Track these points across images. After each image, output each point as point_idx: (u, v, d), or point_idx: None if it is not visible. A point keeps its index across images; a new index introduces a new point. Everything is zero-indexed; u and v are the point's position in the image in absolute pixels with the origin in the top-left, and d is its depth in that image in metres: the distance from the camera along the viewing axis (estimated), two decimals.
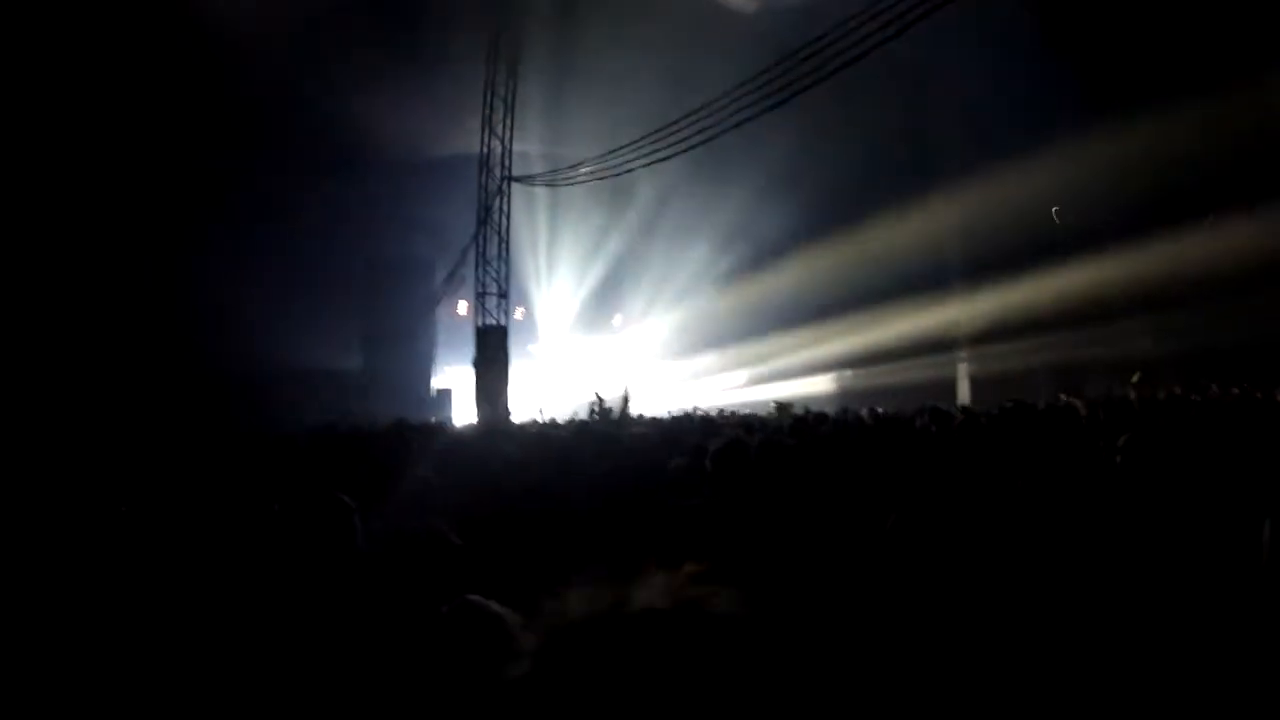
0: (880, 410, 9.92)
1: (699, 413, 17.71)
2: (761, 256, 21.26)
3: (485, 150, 17.74)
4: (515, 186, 17.86)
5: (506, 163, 17.61)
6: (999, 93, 15.48)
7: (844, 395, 20.34)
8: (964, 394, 18.61)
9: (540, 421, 17.01)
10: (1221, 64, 12.34)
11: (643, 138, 12.64)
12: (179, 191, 17.62)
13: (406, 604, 2.58)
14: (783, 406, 16.46)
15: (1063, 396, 12.72)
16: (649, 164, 12.57)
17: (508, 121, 17.54)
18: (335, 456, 6.65)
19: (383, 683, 2.27)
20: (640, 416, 13.60)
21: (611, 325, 26.32)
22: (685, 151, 11.92)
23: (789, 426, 7.29)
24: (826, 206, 18.93)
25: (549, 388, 22.59)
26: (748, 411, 17.48)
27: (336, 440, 8.85)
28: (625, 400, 14.38)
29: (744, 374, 23.39)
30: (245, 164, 18.19)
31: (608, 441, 6.32)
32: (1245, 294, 12.91)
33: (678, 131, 11.75)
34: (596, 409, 12.67)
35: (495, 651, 1.85)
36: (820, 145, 17.40)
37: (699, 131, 11.44)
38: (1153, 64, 13.15)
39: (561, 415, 19.50)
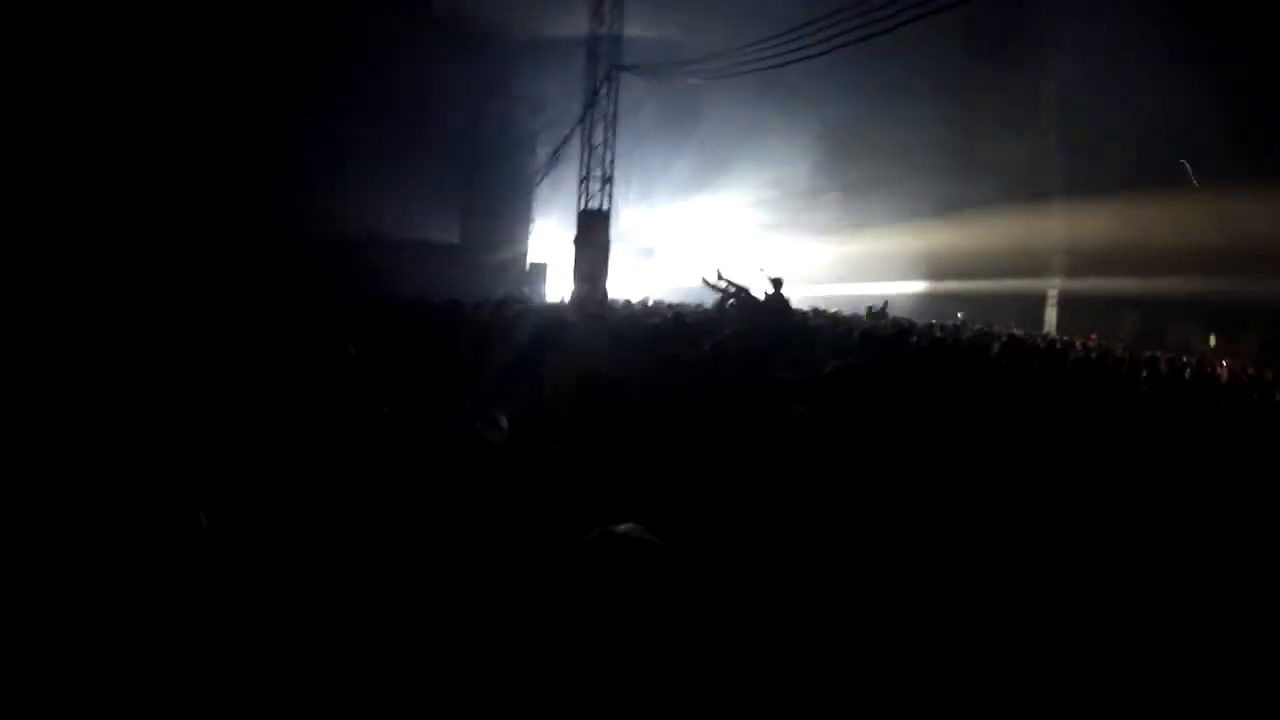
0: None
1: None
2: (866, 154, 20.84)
3: (593, 36, 17.92)
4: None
5: (615, 51, 17.74)
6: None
7: (932, 300, 20.55)
8: (1050, 321, 18.68)
9: (640, 304, 17.60)
10: None
11: (767, 39, 12.46)
12: (276, 52, 17.24)
13: (539, 527, 2.48)
14: (874, 313, 16.91)
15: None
16: (768, 67, 12.49)
17: (618, 10, 17.60)
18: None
19: (523, 614, 2.10)
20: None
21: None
22: (809, 58, 11.56)
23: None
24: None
25: (647, 269, 23.05)
26: (834, 310, 17.88)
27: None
28: (722, 280, 14.74)
29: (835, 268, 23.31)
30: (347, 26, 18.30)
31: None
32: None
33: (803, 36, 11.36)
34: (728, 288, 13.10)
35: (648, 586, 1.88)
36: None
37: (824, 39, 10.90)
38: None
39: (664, 297, 20.10)
